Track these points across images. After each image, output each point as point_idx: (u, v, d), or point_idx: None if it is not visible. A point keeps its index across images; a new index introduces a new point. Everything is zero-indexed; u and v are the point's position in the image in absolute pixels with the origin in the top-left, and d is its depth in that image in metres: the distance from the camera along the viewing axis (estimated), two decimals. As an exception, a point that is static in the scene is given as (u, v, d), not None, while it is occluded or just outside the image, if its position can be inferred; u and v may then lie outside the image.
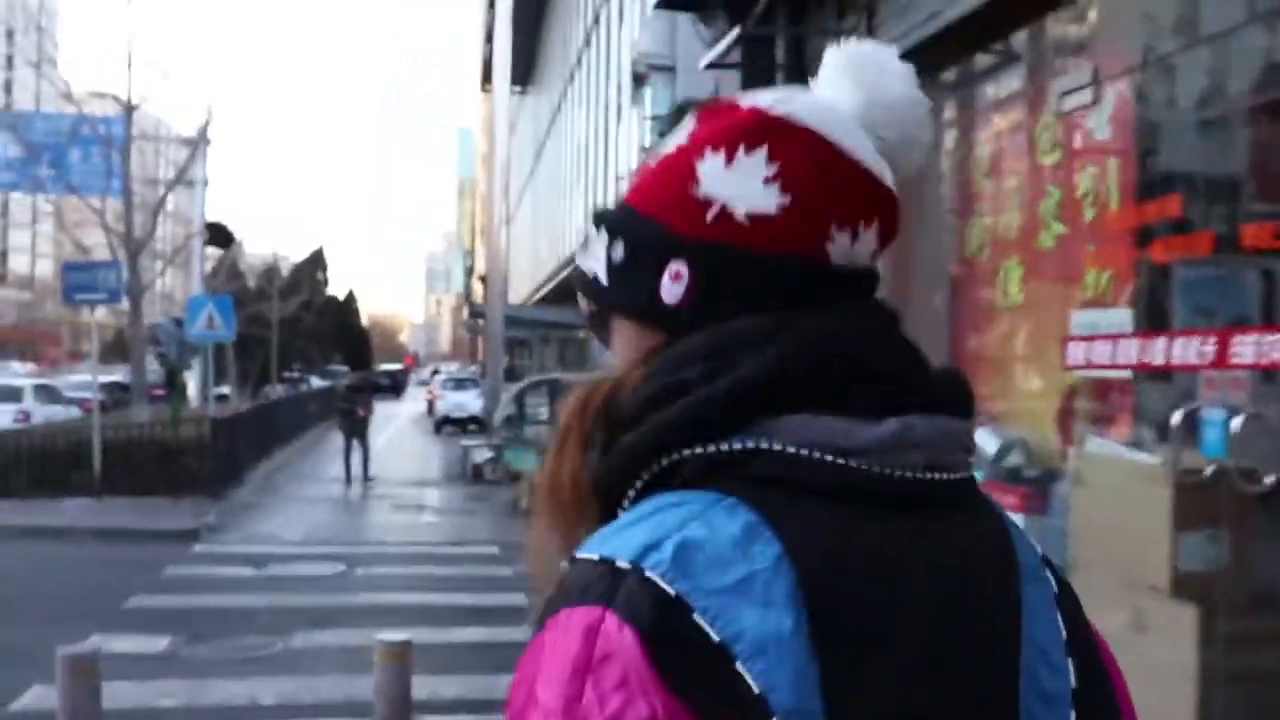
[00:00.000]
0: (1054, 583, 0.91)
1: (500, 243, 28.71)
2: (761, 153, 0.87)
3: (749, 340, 0.84)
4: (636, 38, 30.82)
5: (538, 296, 51.46)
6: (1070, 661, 0.86)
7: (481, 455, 20.44)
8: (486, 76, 66.37)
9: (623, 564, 0.75)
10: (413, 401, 54.86)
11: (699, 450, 0.81)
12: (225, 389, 33.13)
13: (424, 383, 60.58)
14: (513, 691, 0.77)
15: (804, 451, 0.80)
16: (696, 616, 0.73)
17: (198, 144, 25.43)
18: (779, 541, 0.76)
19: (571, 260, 36.97)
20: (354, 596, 10.23)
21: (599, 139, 39.73)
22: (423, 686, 5.89)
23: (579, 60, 43.53)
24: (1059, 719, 0.83)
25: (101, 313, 20.01)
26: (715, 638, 0.72)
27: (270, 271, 45.47)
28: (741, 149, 0.87)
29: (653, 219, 0.90)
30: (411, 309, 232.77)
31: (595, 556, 0.77)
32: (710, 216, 0.87)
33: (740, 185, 0.87)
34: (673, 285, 0.88)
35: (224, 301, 18.89)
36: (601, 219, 0.94)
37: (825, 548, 0.77)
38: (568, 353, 51.14)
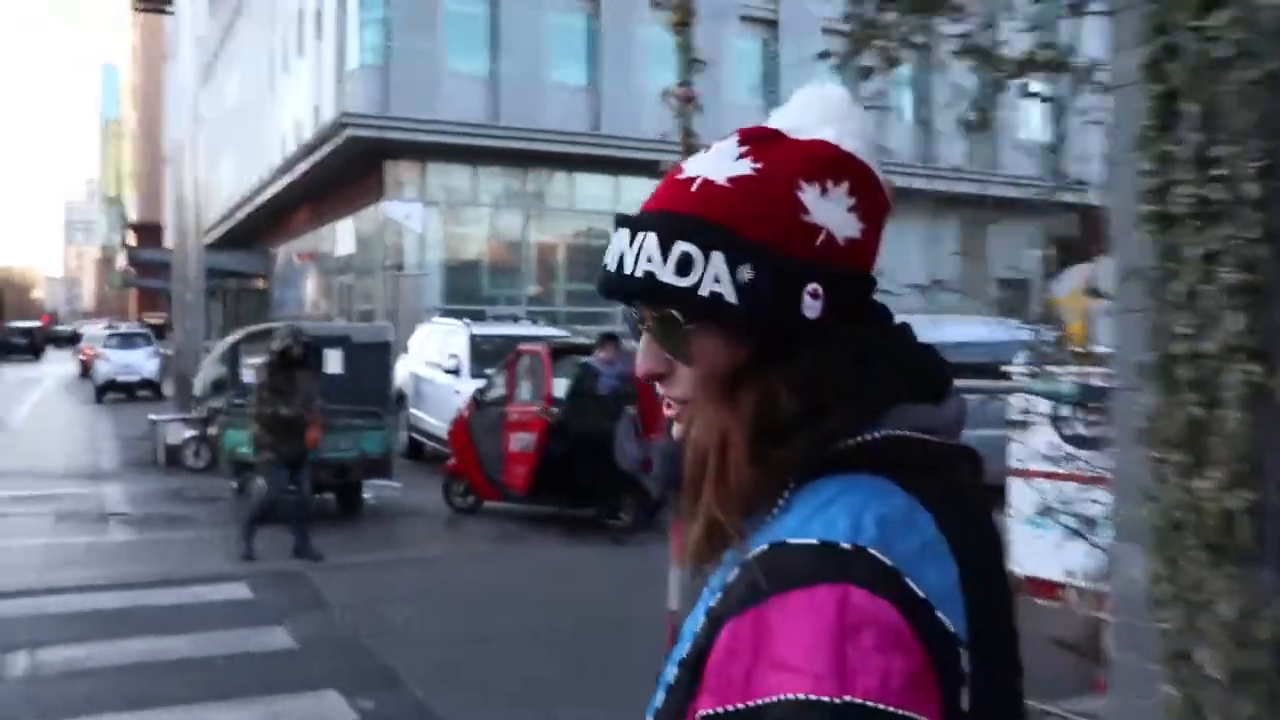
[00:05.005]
0: None
1: (188, 179, 23.31)
2: (845, 185, 1.03)
3: (882, 352, 1.02)
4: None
5: (206, 242, 44.98)
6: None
7: (179, 433, 15.22)
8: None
9: (845, 545, 0.90)
10: (54, 364, 46.91)
11: (858, 440, 0.97)
12: None
13: (71, 341, 53.01)
14: (730, 672, 0.89)
15: (914, 434, 0.99)
16: (907, 580, 0.89)
17: None
18: (929, 510, 0.95)
19: (249, 199, 31.69)
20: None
21: (285, 63, 34.21)
22: None
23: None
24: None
25: None
26: (920, 594, 0.89)
27: None
28: (830, 181, 1.02)
29: (767, 244, 1.00)
30: (48, 263, 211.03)
31: (813, 541, 0.91)
32: (819, 241, 1.01)
33: (834, 214, 1.02)
34: (813, 303, 1.00)
35: None
36: (708, 242, 1.00)
37: (950, 510, 0.97)
38: (244, 306, 44.98)
